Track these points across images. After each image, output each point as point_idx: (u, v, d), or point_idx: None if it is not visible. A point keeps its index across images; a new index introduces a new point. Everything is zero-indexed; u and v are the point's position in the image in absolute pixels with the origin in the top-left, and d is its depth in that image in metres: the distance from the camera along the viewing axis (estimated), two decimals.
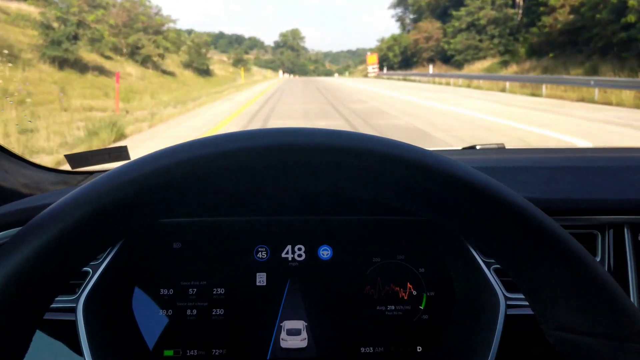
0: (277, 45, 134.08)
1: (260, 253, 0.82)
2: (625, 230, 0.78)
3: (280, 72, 54.19)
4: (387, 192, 0.39)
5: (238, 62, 52.23)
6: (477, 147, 1.35)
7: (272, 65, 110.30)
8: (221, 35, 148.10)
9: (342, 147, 0.37)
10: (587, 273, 0.37)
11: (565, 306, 0.37)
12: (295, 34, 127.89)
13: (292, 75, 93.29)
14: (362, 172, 0.37)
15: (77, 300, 0.70)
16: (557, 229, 0.37)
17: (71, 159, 1.02)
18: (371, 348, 0.80)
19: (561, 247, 0.37)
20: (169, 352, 0.79)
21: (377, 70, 59.64)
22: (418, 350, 0.81)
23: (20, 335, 0.36)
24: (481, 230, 0.38)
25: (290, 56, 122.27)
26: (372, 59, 62.67)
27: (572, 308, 0.37)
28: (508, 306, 0.72)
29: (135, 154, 0.56)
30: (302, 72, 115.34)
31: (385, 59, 59.63)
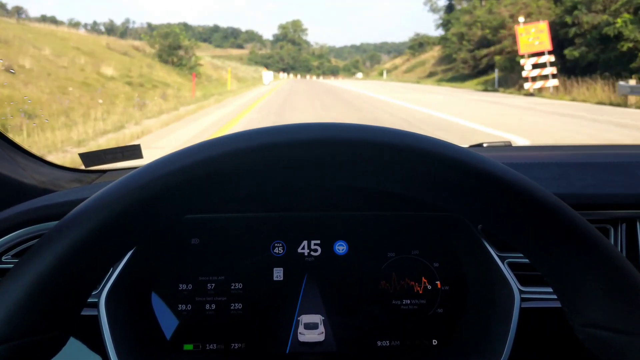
0: (277, 39, 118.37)
1: (277, 248, 0.83)
2: (638, 224, 0.80)
3: (266, 75, 36.44)
4: (420, 187, 0.39)
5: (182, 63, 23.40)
6: (484, 145, 1.37)
7: (270, 61, 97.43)
8: (216, 28, 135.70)
9: (383, 143, 0.37)
10: (620, 270, 0.36)
11: (597, 302, 0.37)
12: (296, 26, 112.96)
13: (290, 75, 76.46)
14: (395, 168, 0.38)
15: (99, 295, 0.71)
16: (586, 225, 0.38)
17: (85, 157, 1.03)
18: (387, 342, 0.81)
19: (594, 243, 0.37)
20: (188, 346, 0.80)
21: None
22: (433, 343, 0.82)
23: (63, 325, 0.37)
24: (514, 225, 0.38)
25: (291, 50, 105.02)
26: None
27: (604, 305, 0.36)
28: (523, 299, 0.73)
29: None
30: (304, 68, 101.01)
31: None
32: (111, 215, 0.36)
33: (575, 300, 0.38)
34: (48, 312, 0.36)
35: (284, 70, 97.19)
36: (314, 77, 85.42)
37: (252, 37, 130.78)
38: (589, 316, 0.38)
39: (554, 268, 0.38)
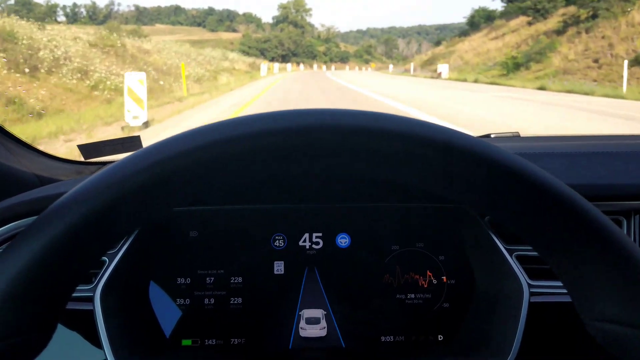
0: (277, 21, 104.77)
1: (277, 241, 0.81)
2: None
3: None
4: (431, 178, 0.37)
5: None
6: (492, 136, 1.34)
7: (267, 46, 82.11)
8: (210, 11, 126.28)
9: (390, 131, 0.36)
10: (633, 261, 0.35)
11: (608, 296, 0.35)
12: (298, 5, 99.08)
13: (289, 66, 58.02)
14: (407, 158, 0.36)
15: (94, 290, 0.69)
16: (600, 215, 0.36)
17: (84, 149, 1.02)
18: (391, 337, 0.79)
19: (605, 234, 0.36)
20: (187, 342, 0.78)
21: None
22: (439, 339, 0.80)
23: (43, 325, 0.35)
24: (521, 217, 0.37)
25: (292, 34, 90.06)
26: None
27: (616, 298, 0.35)
28: (532, 294, 0.71)
29: None
30: (308, 54, 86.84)
31: None
32: (92, 208, 0.34)
33: (586, 293, 0.37)
34: (25, 313, 0.34)
35: (283, 57, 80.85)
36: (323, 68, 70.22)
37: (250, 20, 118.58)
38: (600, 310, 0.36)
39: (564, 260, 0.37)
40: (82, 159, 1.02)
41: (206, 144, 0.35)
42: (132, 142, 1.05)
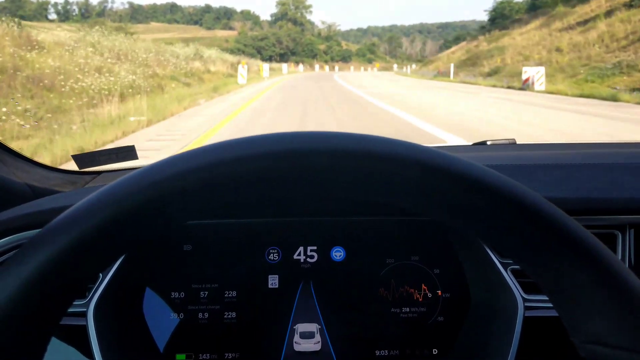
0: (275, 19, 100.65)
1: (271, 255, 0.81)
2: None
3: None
4: (410, 198, 0.37)
5: None
6: (488, 143, 1.33)
7: (264, 44, 76.99)
8: (207, 8, 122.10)
9: (378, 154, 0.36)
10: (622, 283, 0.35)
11: (599, 317, 0.35)
12: (298, 1, 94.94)
13: (286, 67, 45.53)
14: (388, 179, 0.36)
15: (87, 305, 0.69)
16: (588, 235, 0.36)
17: (78, 159, 1.01)
18: (386, 351, 0.79)
19: (593, 254, 0.35)
20: (181, 356, 0.78)
21: None
22: (434, 353, 0.79)
23: (37, 341, 0.35)
24: (505, 236, 0.37)
25: (292, 31, 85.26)
26: None
27: (605, 320, 0.35)
28: (527, 308, 0.70)
29: None
30: (308, 53, 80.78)
31: None
32: (101, 222, 0.34)
33: (576, 315, 0.36)
34: (14, 338, 0.33)
35: (281, 56, 74.40)
36: (326, 68, 63.09)
37: (248, 18, 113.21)
38: (591, 332, 0.35)
39: (551, 281, 0.36)
40: (75, 169, 1.02)
41: (217, 162, 0.35)
42: (126, 152, 1.05)
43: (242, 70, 21.50)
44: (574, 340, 0.37)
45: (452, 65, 32.44)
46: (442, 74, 33.37)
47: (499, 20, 42.86)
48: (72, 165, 1.02)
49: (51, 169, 1.05)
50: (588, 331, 0.36)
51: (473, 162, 0.37)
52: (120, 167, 1.10)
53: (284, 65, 47.54)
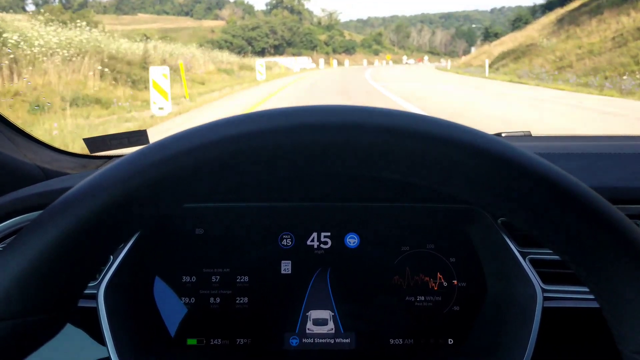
0: (270, 7, 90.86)
1: (285, 240, 0.80)
2: None
3: None
4: (459, 184, 0.35)
5: None
6: (503, 135, 1.31)
7: (256, 34, 67.11)
8: None
9: (422, 133, 0.34)
10: None
11: None
12: None
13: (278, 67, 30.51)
14: (437, 161, 0.34)
15: (98, 287, 0.68)
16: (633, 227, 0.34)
17: (90, 143, 1.00)
18: (400, 340, 0.78)
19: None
20: (192, 341, 0.77)
21: None
22: (449, 342, 0.78)
23: (65, 304, 0.36)
24: (564, 237, 0.35)
25: (288, 20, 74.68)
26: None
27: None
28: (545, 298, 0.69)
29: None
30: (307, 44, 71.78)
31: None
32: (108, 200, 0.34)
33: (627, 324, 0.34)
34: (46, 292, 0.34)
35: (276, 48, 65.16)
36: (334, 63, 52.48)
37: (241, 7, 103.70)
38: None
39: (604, 285, 0.34)
40: (87, 152, 1.01)
41: (227, 137, 0.34)
42: (138, 136, 1.04)
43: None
44: (622, 349, 0.35)
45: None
46: (484, 68, 25.10)
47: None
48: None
49: (62, 152, 1.05)
50: (638, 341, 0.34)
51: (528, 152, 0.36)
52: (131, 151, 1.09)
53: (291, 60, 36.17)
